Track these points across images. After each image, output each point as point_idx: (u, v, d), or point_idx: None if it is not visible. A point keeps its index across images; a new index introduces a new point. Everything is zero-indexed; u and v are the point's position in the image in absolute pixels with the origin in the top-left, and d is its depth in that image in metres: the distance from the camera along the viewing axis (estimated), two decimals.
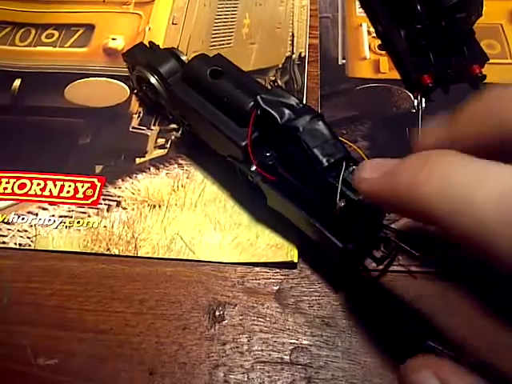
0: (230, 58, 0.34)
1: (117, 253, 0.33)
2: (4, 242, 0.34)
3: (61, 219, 0.34)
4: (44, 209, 0.35)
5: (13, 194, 0.35)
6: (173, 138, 0.38)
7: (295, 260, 0.32)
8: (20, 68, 0.43)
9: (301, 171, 0.29)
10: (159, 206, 0.35)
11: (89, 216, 0.35)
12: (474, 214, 0.16)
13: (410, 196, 0.18)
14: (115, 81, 0.41)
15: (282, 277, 0.32)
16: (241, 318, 0.31)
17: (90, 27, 0.45)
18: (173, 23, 0.45)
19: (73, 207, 0.35)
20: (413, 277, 0.31)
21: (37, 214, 0.35)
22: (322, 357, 0.29)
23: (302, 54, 0.42)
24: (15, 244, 0.33)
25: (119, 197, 0.35)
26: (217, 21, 0.45)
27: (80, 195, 0.35)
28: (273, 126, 0.29)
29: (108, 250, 0.33)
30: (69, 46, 0.44)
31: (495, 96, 0.20)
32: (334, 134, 0.28)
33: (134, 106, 0.40)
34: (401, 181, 0.19)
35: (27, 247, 0.33)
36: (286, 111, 0.29)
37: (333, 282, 0.32)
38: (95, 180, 0.36)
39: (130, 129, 0.39)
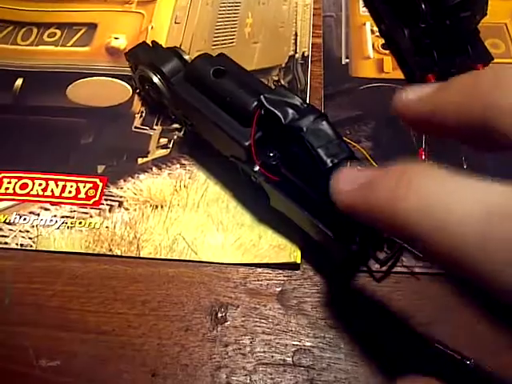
0: (232, 58, 0.33)
1: (119, 253, 0.33)
2: (6, 243, 0.33)
3: (63, 219, 0.34)
4: (46, 209, 0.35)
5: (14, 194, 0.35)
6: (175, 137, 0.38)
7: (298, 261, 0.32)
8: (22, 67, 0.42)
9: (304, 171, 0.29)
10: (161, 207, 0.35)
11: (91, 216, 0.34)
12: (455, 230, 0.16)
13: (388, 211, 0.18)
14: (117, 80, 0.41)
15: (285, 278, 0.32)
16: (243, 319, 0.30)
17: (93, 26, 0.45)
18: (175, 22, 0.45)
19: (75, 207, 0.35)
20: (416, 278, 0.31)
21: (38, 215, 0.34)
22: (325, 359, 0.29)
23: (306, 54, 0.42)
24: (17, 244, 0.33)
25: (121, 197, 0.35)
26: (219, 20, 0.45)
27: (82, 195, 0.35)
28: (276, 126, 0.28)
29: (110, 250, 0.33)
30: (71, 45, 0.44)
31: (487, 76, 0.18)
32: (338, 134, 0.28)
33: (137, 105, 0.40)
34: (379, 195, 0.18)
35: (29, 248, 0.33)
36: (290, 111, 0.28)
37: (336, 283, 0.31)
38: (97, 180, 0.36)
39: (133, 128, 0.39)
